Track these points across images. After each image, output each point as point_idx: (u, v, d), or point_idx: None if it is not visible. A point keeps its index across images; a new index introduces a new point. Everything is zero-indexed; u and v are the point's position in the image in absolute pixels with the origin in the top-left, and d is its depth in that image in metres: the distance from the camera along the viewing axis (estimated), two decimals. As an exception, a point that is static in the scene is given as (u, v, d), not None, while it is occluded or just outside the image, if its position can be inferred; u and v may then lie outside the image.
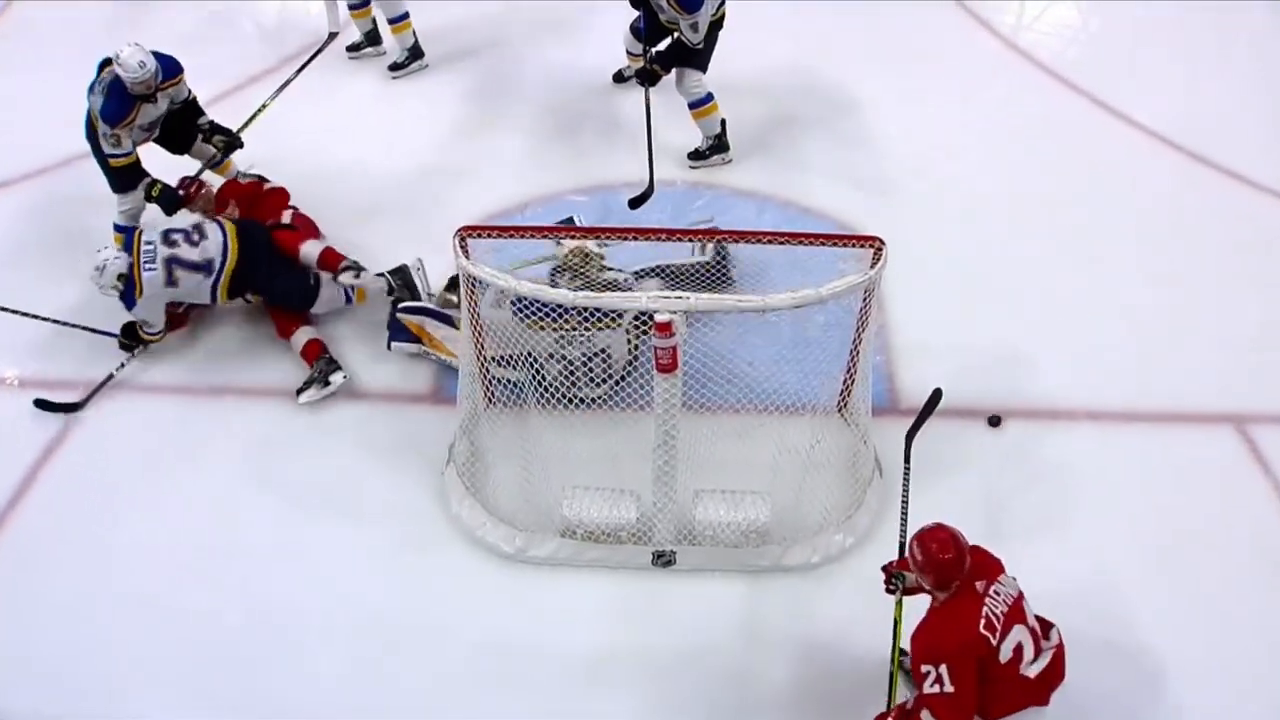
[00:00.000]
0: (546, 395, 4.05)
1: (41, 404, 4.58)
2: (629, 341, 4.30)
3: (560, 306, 3.63)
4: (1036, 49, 6.48)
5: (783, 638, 3.91)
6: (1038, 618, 3.25)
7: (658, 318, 3.40)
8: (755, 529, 4.02)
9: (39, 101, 5.39)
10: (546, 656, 3.86)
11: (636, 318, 4.25)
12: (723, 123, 5.61)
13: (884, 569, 3.44)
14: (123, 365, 4.71)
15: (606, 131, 5.87)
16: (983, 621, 3.05)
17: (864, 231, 4.14)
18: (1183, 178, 5.66)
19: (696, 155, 5.68)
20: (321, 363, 4.59)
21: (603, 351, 4.26)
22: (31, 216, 5.41)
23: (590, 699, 3.78)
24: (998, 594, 3.12)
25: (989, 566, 3.22)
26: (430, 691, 3.79)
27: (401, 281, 4.68)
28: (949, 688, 3.01)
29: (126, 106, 4.64)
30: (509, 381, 4.26)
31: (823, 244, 3.80)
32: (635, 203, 5.13)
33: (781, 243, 3.85)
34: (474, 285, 3.83)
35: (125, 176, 4.86)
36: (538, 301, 3.75)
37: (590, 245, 4.48)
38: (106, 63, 4.74)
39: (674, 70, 5.43)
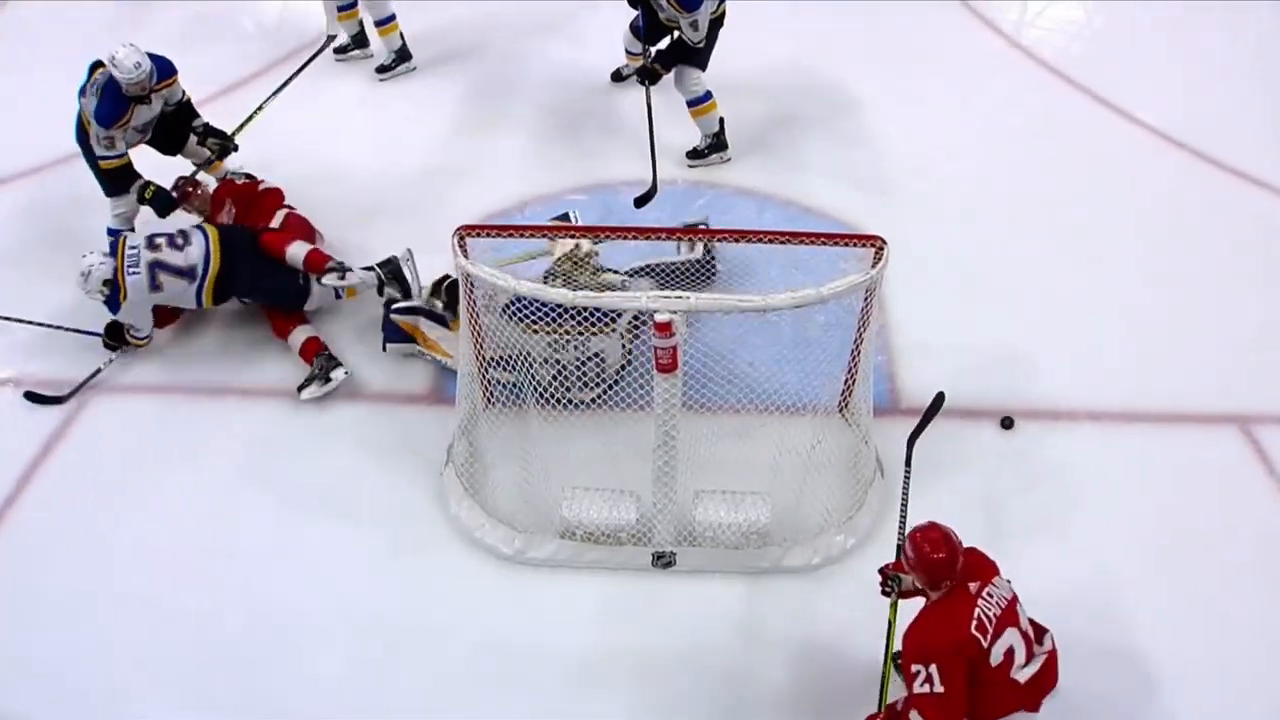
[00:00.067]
0: (540, 397, 4.04)
1: (31, 396, 4.63)
2: (623, 345, 4.29)
3: (553, 311, 3.64)
4: (1039, 47, 6.49)
5: (783, 639, 3.90)
6: (1032, 622, 3.24)
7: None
8: (756, 530, 4.01)
9: (33, 101, 5.38)
10: (546, 658, 3.84)
11: (632, 319, 4.24)
12: (721, 121, 5.61)
13: (880, 571, 3.43)
14: (110, 361, 4.72)
15: (606, 131, 5.87)
16: (974, 623, 3.04)
17: (864, 231, 4.14)
18: (1184, 176, 5.67)
19: (695, 154, 5.67)
20: (322, 359, 4.59)
21: (596, 355, 4.25)
22: (26, 216, 5.40)
23: (589, 700, 3.76)
24: (991, 596, 3.12)
25: (983, 568, 3.22)
26: (429, 692, 3.78)
27: (390, 273, 4.64)
28: (939, 688, 3.00)
29: (121, 108, 4.63)
30: (506, 382, 4.24)
31: (824, 243, 3.80)
32: (640, 201, 5.13)
33: (782, 242, 3.84)
34: (472, 285, 3.82)
35: (117, 179, 4.85)
36: (531, 306, 3.76)
37: (585, 244, 4.48)
38: (97, 65, 4.73)
39: (673, 69, 5.43)
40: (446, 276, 4.67)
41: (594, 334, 4.03)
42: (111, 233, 4.95)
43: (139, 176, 4.89)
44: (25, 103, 5.75)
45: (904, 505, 3.59)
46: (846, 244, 3.82)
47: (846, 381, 4.21)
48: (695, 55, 5.38)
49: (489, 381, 4.30)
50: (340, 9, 6.08)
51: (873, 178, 5.58)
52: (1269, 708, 3.78)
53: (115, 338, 4.70)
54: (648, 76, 5.36)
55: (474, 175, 5.57)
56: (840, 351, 4.04)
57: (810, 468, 4.02)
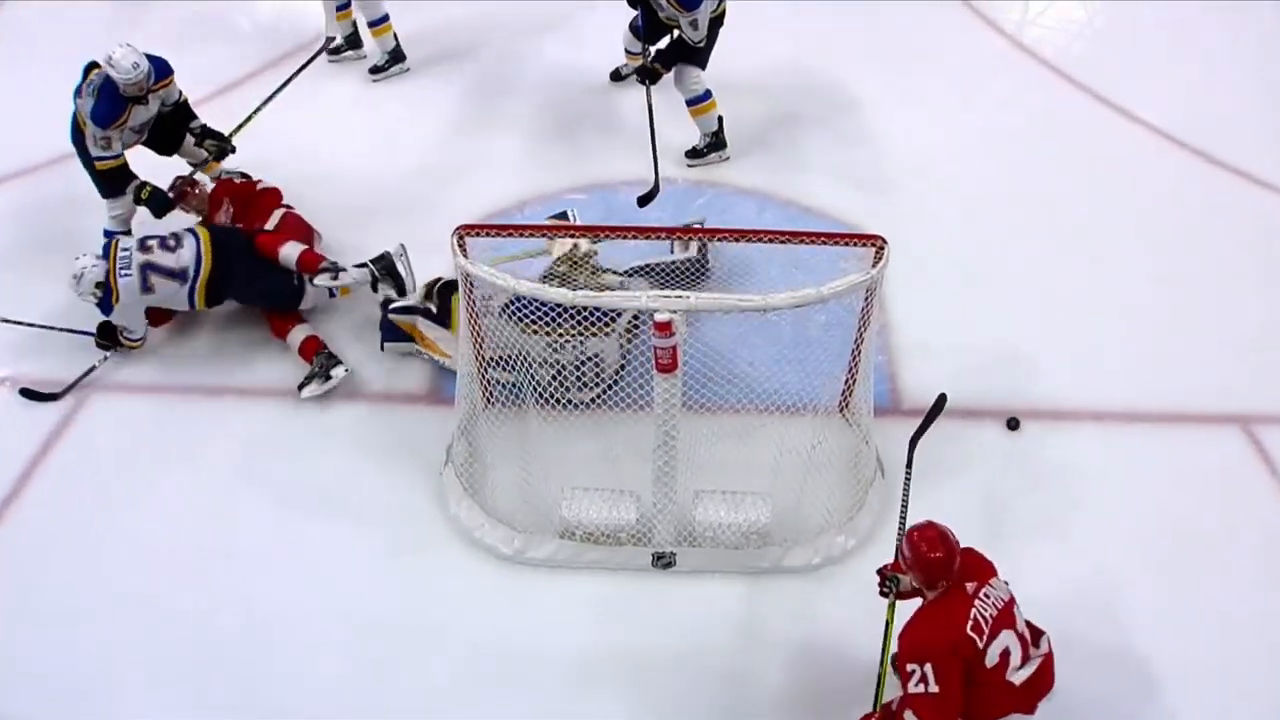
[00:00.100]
0: (538, 398, 4.03)
1: (26, 392, 4.63)
2: (620, 346, 4.27)
3: (551, 312, 3.63)
4: (1040, 46, 6.48)
5: (783, 639, 3.89)
6: (1029, 625, 3.23)
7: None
8: (756, 530, 4.00)
9: (30, 101, 5.36)
10: (545, 658, 3.83)
11: (631, 320, 4.23)
12: (720, 120, 5.60)
13: (879, 572, 3.42)
14: (105, 359, 4.71)
15: (605, 130, 5.86)
16: (970, 623, 3.03)
17: (865, 230, 4.12)
18: (1186, 176, 5.66)
19: (694, 153, 5.66)
20: (322, 357, 4.58)
21: (594, 357, 4.24)
22: (21, 216, 5.39)
23: (589, 700, 3.75)
24: (988, 597, 3.11)
25: (981, 569, 3.21)
26: (429, 693, 3.77)
27: (384, 269, 4.61)
28: (933, 687, 2.99)
29: (118, 108, 4.62)
30: (505, 382, 4.23)
31: (824, 243, 3.79)
32: (643, 201, 5.12)
33: (783, 242, 3.84)
34: (471, 285, 3.80)
35: (113, 180, 4.83)
36: (529, 307, 3.75)
37: (584, 244, 4.47)
38: (92, 66, 4.72)
39: (674, 68, 5.42)
40: (439, 279, 4.65)
41: (592, 335, 4.02)
42: (108, 234, 4.93)
43: (135, 177, 4.87)
44: (22, 102, 5.73)
45: (904, 506, 3.58)
46: (847, 243, 3.81)
47: (847, 381, 4.20)
48: (695, 54, 5.37)
49: (488, 381, 4.29)
50: (341, 8, 6.06)
51: (873, 177, 5.57)
52: (1270, 708, 3.77)
53: (108, 338, 4.69)
54: (648, 76, 5.35)
55: (472, 175, 5.56)
56: (841, 351, 4.03)
57: (811, 468, 4.01)
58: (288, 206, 4.98)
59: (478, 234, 3.82)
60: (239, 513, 4.25)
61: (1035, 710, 3.19)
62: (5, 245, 5.25)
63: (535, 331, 3.88)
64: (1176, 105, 5.98)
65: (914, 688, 3.02)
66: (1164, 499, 4.29)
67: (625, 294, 3.73)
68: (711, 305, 3.46)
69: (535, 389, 4.03)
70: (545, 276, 4.42)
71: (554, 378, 4.08)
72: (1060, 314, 4.95)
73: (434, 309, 4.64)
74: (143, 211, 4.95)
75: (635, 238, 4.17)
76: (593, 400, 4.29)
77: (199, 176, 5.10)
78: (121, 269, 4.48)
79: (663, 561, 4.05)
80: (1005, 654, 3.08)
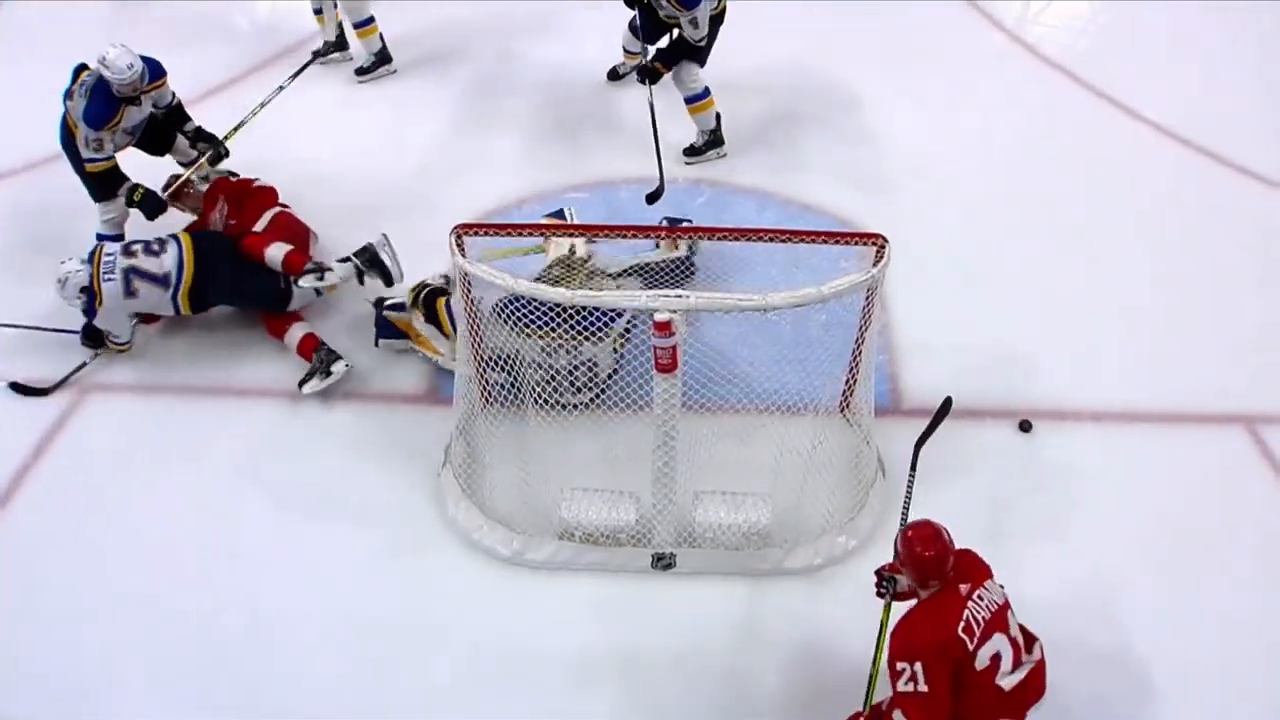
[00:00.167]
0: (531, 399, 4.02)
1: (16, 387, 4.63)
2: (615, 350, 4.26)
3: (545, 316, 3.62)
4: (1042, 44, 6.48)
5: (783, 640, 3.87)
6: (1022, 629, 3.21)
7: (657, 317, 3.36)
8: (756, 531, 3.98)
9: (28, 100, 5.32)
10: (545, 659, 3.82)
11: (626, 325, 4.22)
12: (718, 117, 5.59)
13: (877, 572, 3.41)
14: (95, 355, 4.71)
15: (603, 129, 5.85)
16: (962, 624, 3.02)
17: (865, 229, 4.11)
18: (1187, 175, 5.66)
19: (692, 151, 5.66)
20: (321, 353, 4.57)
21: (588, 362, 4.23)
22: (17, 216, 5.37)
23: (589, 701, 3.74)
24: (981, 599, 3.09)
25: (976, 570, 3.19)
26: (429, 693, 3.76)
27: (368, 261, 4.59)
28: (923, 687, 2.97)
29: (111, 109, 4.59)
30: (501, 382, 4.21)
31: (825, 242, 3.78)
32: (651, 199, 5.12)
33: (783, 240, 3.82)
34: (469, 284, 3.78)
35: (104, 183, 4.81)
36: (522, 310, 3.74)
37: (580, 248, 4.46)
38: (82, 68, 4.70)
39: (674, 67, 5.41)
40: (424, 286, 4.63)
41: (585, 340, 4.01)
42: (101, 238, 4.92)
43: (126, 179, 4.85)
44: (20, 102, 5.70)
45: (906, 508, 3.57)
46: (847, 242, 3.80)
47: (848, 381, 4.18)
48: (695, 52, 5.36)
49: (487, 382, 4.27)
50: (317, 12, 6.05)
51: (873, 176, 5.56)
52: (1270, 708, 3.76)
53: (93, 339, 4.69)
54: (648, 76, 5.34)
55: (469, 175, 5.55)
56: (841, 351, 4.01)
57: (811, 468, 3.99)
58: (283, 206, 4.95)
59: (476, 233, 3.80)
60: (238, 513, 4.24)
61: (1024, 717, 3.16)
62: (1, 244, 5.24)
63: (529, 334, 3.86)
64: (1178, 103, 5.98)
65: (903, 687, 3.00)
66: (1164, 499, 4.28)
67: (624, 294, 3.70)
68: (711, 305, 3.44)
69: (528, 391, 4.01)
70: (539, 280, 4.39)
71: (547, 380, 4.06)
72: (1061, 313, 4.94)
73: (422, 317, 4.62)
74: (136, 215, 4.92)
75: (635, 237, 4.16)
76: (585, 403, 4.27)
77: (193, 177, 5.08)
78: (105, 274, 4.48)
79: (663, 563, 4.03)
80: (996, 658, 3.06)
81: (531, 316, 3.71)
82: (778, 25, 6.27)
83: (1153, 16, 6.62)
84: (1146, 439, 4.49)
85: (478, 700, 3.74)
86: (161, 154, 5.07)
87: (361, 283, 4.63)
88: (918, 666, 2.97)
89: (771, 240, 3.83)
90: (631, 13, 5.47)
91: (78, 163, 4.78)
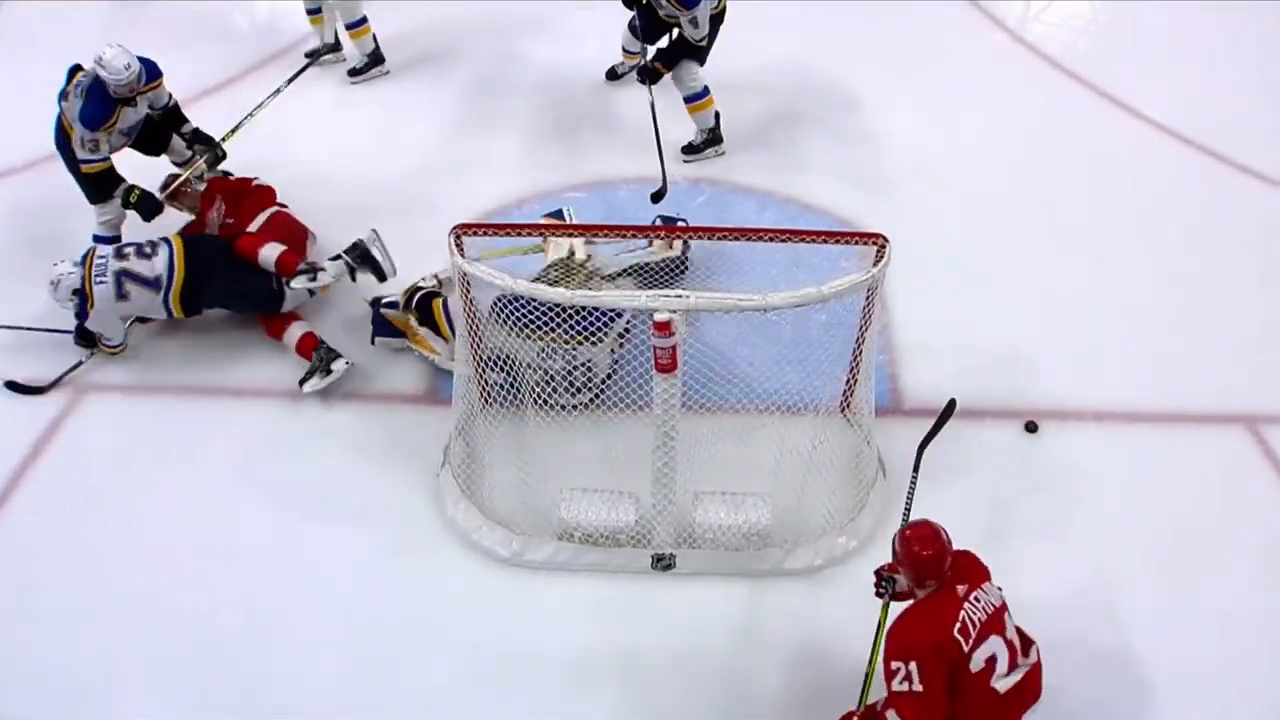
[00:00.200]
0: (529, 399, 4.01)
1: (11, 385, 4.63)
2: (612, 353, 4.25)
3: (542, 318, 3.61)
4: (1043, 42, 6.48)
5: (784, 641, 3.86)
6: (1020, 633, 3.21)
7: (657, 317, 3.35)
8: (756, 532, 3.97)
9: (25, 100, 5.31)
10: (544, 660, 3.81)
11: (623, 327, 4.21)
12: (716, 115, 5.58)
13: (876, 572, 3.41)
14: (91, 354, 4.70)
15: (603, 128, 5.85)
16: (958, 625, 3.01)
17: (866, 229, 4.10)
18: (1189, 174, 5.65)
19: (690, 149, 5.66)
20: (321, 351, 4.56)
21: (585, 364, 4.22)
22: (15, 215, 5.36)
23: (589, 702, 3.73)
24: (978, 601, 3.09)
25: (974, 572, 3.19)
26: (428, 693, 3.75)
27: (359, 257, 4.58)
28: (917, 686, 2.97)
29: (108, 110, 4.57)
30: (498, 382, 4.20)
31: (825, 241, 3.77)
32: (656, 198, 5.12)
33: (783, 240, 3.81)
34: (468, 284, 3.77)
35: (100, 184, 4.79)
36: (519, 313, 3.73)
37: (579, 250, 4.45)
38: (76, 69, 4.68)
39: (675, 67, 5.40)
40: (418, 290, 4.62)
41: (581, 343, 4.00)
42: (98, 239, 4.91)
43: (122, 181, 4.83)
44: (18, 102, 5.69)
45: (907, 509, 3.56)
46: (848, 242, 3.79)
47: (848, 381, 4.17)
48: (695, 51, 5.35)
49: (486, 382, 4.26)
50: (310, 12, 6.03)
51: (874, 176, 5.56)
52: (1271, 708, 3.74)
53: (87, 341, 4.68)
54: (648, 76, 5.33)
55: (467, 175, 5.54)
56: (842, 351, 4.00)
57: (811, 469, 3.98)
58: (281, 205, 4.94)
59: (475, 233, 3.79)
60: (237, 513, 4.22)
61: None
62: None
63: (526, 336, 3.86)
64: (1179, 102, 5.97)
65: (898, 686, 3.00)
66: (1165, 499, 4.27)
67: (624, 294, 3.69)
68: (711, 305, 3.43)
69: (526, 391, 4.00)
70: (538, 281, 4.38)
71: (544, 382, 4.05)
72: (1062, 313, 4.93)
73: (415, 321, 4.61)
74: (133, 215, 4.90)
75: (635, 237, 4.14)
76: (580, 405, 4.26)
77: (190, 176, 5.06)
78: (97, 276, 4.48)
79: (662, 563, 4.02)
80: (991, 660, 3.06)
81: (529, 318, 3.70)
82: (778, 25, 6.26)
83: (1154, 16, 6.62)
84: (1148, 439, 4.48)
85: (477, 701, 3.73)
86: (157, 154, 5.05)
87: (354, 279, 4.62)
88: (912, 666, 2.97)
89: (772, 240, 3.82)
90: (630, 13, 5.46)
91: (73, 164, 4.76)
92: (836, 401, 4.21)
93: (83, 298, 4.51)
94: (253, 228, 4.75)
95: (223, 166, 5.09)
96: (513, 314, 3.80)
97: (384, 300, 4.69)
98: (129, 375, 4.72)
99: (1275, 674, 3.82)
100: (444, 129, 5.87)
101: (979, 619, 3.05)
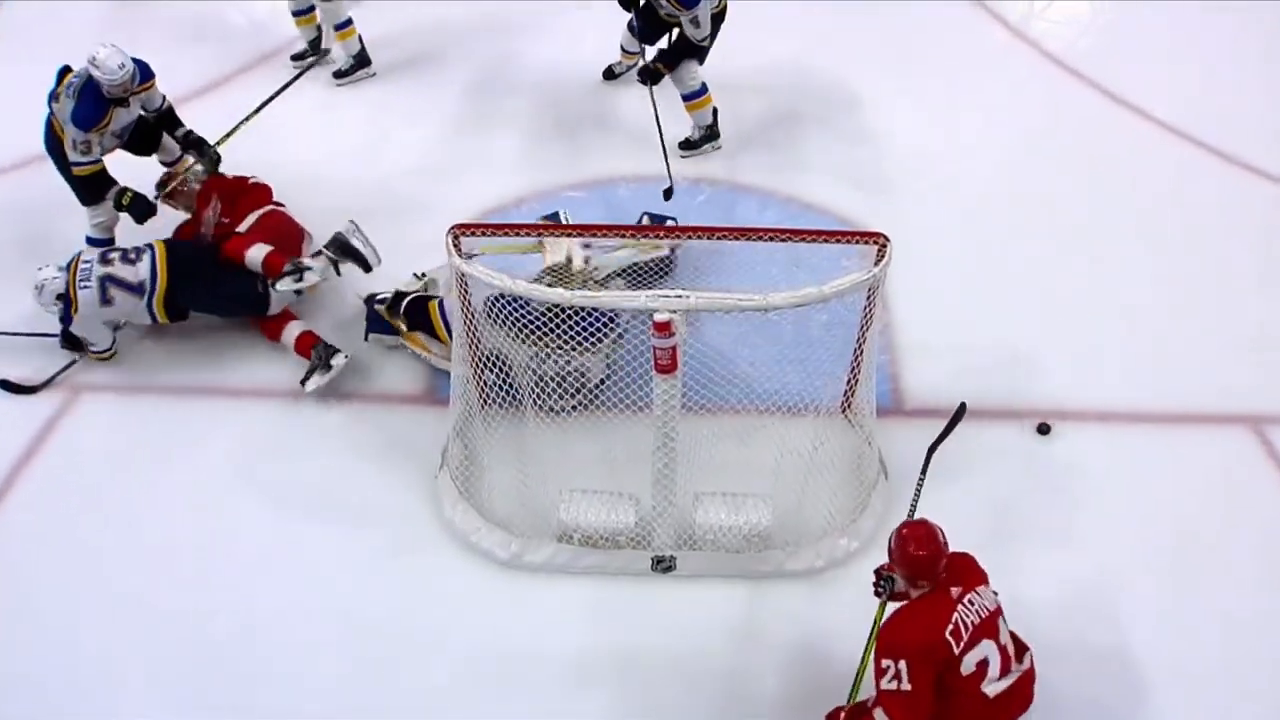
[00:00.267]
0: (528, 400, 3.99)
1: (3, 385, 4.62)
2: (606, 357, 4.22)
3: (536, 323, 3.60)
4: (1046, 40, 6.46)
5: (785, 643, 3.84)
6: (1014, 638, 3.20)
7: (657, 317, 3.33)
8: (757, 533, 3.95)
9: (23, 99, 5.29)
10: (544, 662, 3.79)
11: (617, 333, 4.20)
12: (714, 112, 5.57)
13: (876, 571, 3.40)
14: (79, 358, 4.68)
15: (602, 128, 5.83)
16: (950, 627, 3.01)
17: (867, 228, 4.08)
18: (1192, 173, 5.64)
19: (688, 145, 5.64)
20: (319, 349, 4.54)
21: (578, 371, 4.19)
22: (13, 214, 5.33)
23: (589, 704, 3.71)
24: (972, 604, 3.08)
25: (970, 574, 3.18)
26: (428, 694, 3.74)
27: (340, 250, 4.56)
28: (905, 685, 2.97)
29: (101, 110, 4.55)
30: (493, 383, 4.19)
31: (826, 241, 3.76)
32: (667, 195, 5.14)
33: (784, 239, 3.79)
34: (466, 284, 3.75)
35: (92, 186, 4.76)
36: (516, 316, 3.71)
37: (576, 259, 4.43)
38: (65, 71, 4.66)
39: (676, 68, 5.38)
40: (402, 296, 4.60)
41: (576, 351, 3.98)
42: (91, 242, 4.89)
43: (115, 183, 4.80)
44: (15, 101, 5.67)
45: (912, 511, 3.54)
46: (849, 241, 3.77)
47: (849, 382, 4.15)
48: (696, 50, 5.33)
49: (484, 382, 4.24)
50: (295, 14, 5.99)
51: (875, 175, 5.54)
52: (1275, 711, 3.73)
53: (73, 345, 4.66)
54: (649, 77, 5.31)
55: (466, 175, 5.52)
56: (843, 351, 3.98)
57: (812, 469, 3.96)
58: (277, 204, 4.93)
59: (473, 233, 3.78)
60: (236, 514, 4.21)
61: None
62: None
63: (520, 340, 3.84)
64: (1182, 101, 5.96)
65: (887, 684, 3.00)
66: (1168, 499, 4.25)
67: (624, 294, 3.67)
68: (712, 305, 3.41)
69: (524, 392, 3.99)
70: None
71: (536, 385, 4.03)
72: (1064, 313, 4.91)
73: (405, 326, 4.58)
74: (127, 218, 4.86)
75: (634, 236, 4.13)
76: (575, 407, 4.24)
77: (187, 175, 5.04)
78: (81, 281, 4.47)
79: (662, 565, 4.00)
80: (983, 664, 3.05)
81: (523, 323, 3.69)
82: (778, 25, 6.25)
83: (1157, 13, 6.60)
84: (1150, 439, 4.47)
85: (476, 702, 3.72)
86: (148, 154, 5.02)
87: (338, 273, 4.60)
88: (902, 665, 2.97)
89: (772, 239, 3.80)
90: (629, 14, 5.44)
91: (64, 167, 4.73)
92: (837, 402, 4.19)
93: (67, 302, 4.50)
94: (242, 228, 4.73)
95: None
96: (508, 316, 3.79)
97: (378, 297, 4.67)
98: (125, 375, 4.71)
99: (1279, 675, 3.80)
100: (443, 129, 5.85)
101: (972, 622, 3.04)
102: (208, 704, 3.72)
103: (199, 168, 4.97)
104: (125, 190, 4.79)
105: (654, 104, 5.20)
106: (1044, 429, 4.45)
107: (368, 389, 4.63)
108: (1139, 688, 3.73)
